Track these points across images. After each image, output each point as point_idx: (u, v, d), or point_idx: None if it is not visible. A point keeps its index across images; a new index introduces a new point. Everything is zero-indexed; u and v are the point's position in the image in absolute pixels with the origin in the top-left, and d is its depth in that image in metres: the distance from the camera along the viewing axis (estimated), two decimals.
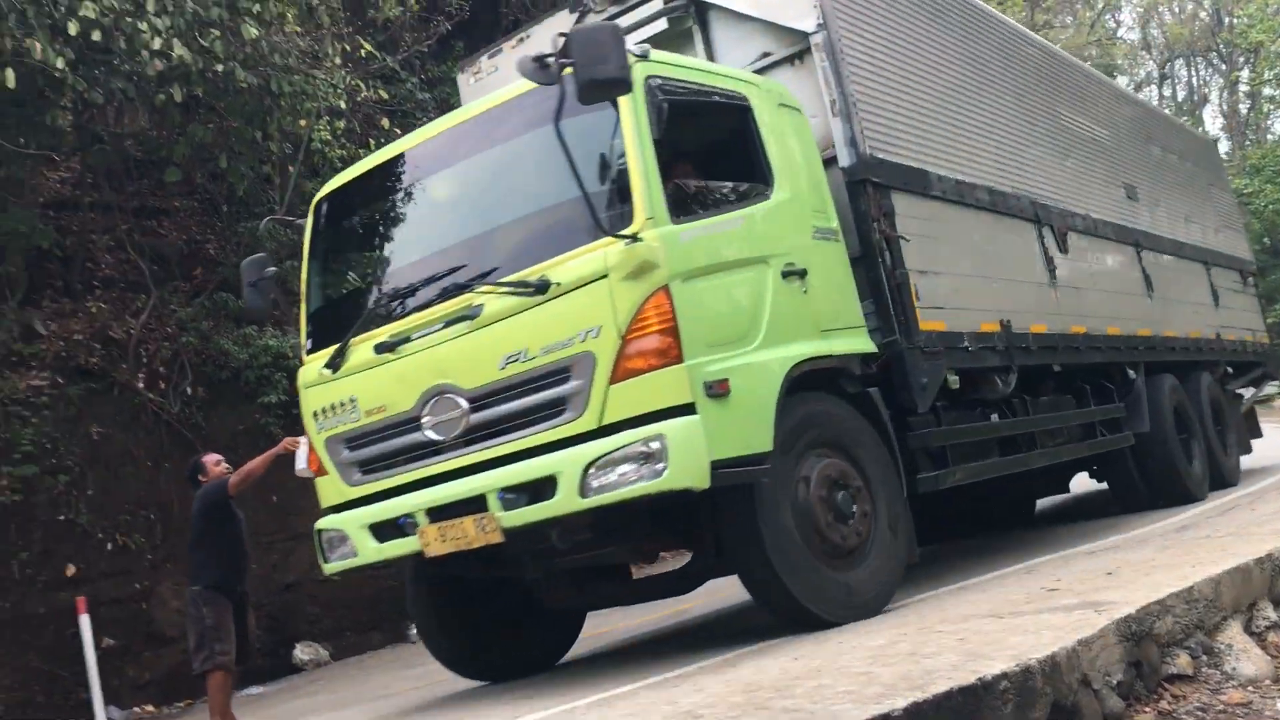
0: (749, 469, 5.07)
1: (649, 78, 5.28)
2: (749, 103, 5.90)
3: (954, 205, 7.44)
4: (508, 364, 5.15)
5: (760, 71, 6.77)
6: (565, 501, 4.89)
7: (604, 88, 4.75)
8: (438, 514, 5.30)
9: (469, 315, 5.27)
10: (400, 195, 5.96)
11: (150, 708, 10.23)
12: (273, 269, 6.17)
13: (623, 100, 5.13)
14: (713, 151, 6.02)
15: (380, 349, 5.54)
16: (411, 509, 5.39)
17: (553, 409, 5.04)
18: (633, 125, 5.13)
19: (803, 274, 5.73)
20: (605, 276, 4.98)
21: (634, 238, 4.97)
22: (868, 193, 6.45)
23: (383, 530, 5.53)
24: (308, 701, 9.01)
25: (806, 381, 5.61)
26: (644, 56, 5.33)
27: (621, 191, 5.12)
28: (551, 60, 4.79)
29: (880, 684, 3.47)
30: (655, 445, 4.81)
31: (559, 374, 5.03)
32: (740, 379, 5.12)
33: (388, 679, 9.05)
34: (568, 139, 5.10)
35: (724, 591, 7.84)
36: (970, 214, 7.67)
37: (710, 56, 7.03)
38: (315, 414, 5.84)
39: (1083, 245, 9.21)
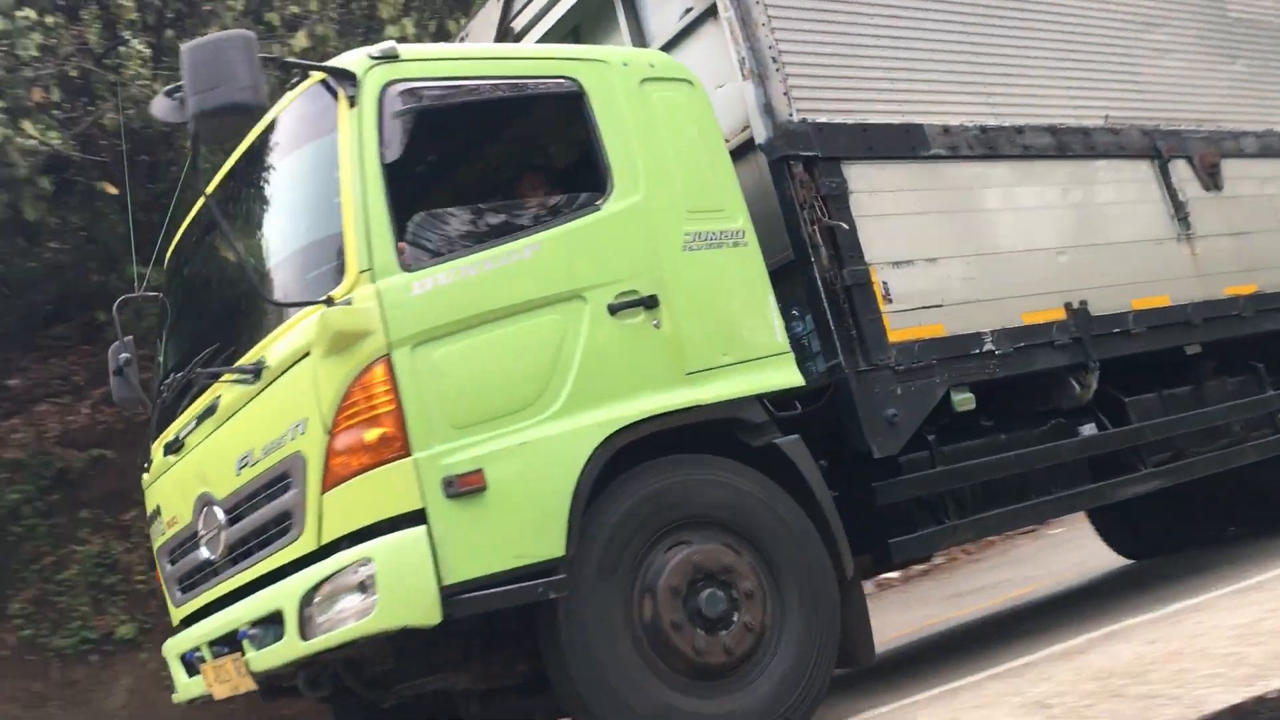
0: (525, 586, 3.80)
1: (388, 85, 4.08)
2: (580, 87, 4.54)
3: (976, 161, 5.63)
4: (241, 468, 4.17)
5: (684, 35, 5.39)
6: (289, 646, 3.83)
7: (225, 116, 3.62)
8: (214, 649, 4.41)
9: (212, 409, 4.33)
10: (186, 265, 5.10)
11: None
12: (128, 356, 5.44)
13: (342, 119, 4.01)
14: (518, 160, 4.76)
15: (167, 450, 4.72)
16: (197, 641, 4.53)
17: (281, 525, 4.00)
18: (351, 152, 3.97)
19: (651, 303, 4.33)
20: (308, 354, 3.87)
21: (331, 301, 3.83)
22: (789, 172, 4.89)
23: (189, 663, 4.71)
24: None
25: (666, 445, 4.25)
26: (386, 58, 4.14)
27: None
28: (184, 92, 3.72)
29: (1250, 664, 3.29)
30: (365, 572, 3.67)
31: (280, 480, 3.99)
32: (507, 466, 3.85)
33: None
34: (299, 178, 4.07)
35: (1067, 571, 8.07)
36: (1013, 167, 5.80)
37: (636, 24, 5.69)
38: (149, 520, 5.13)
39: (1256, 173, 6.93)
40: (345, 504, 3.78)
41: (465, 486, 3.75)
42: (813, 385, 4.82)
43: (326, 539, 3.81)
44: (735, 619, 4.16)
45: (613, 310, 4.23)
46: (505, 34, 6.14)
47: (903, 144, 5.34)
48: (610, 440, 4.05)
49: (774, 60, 5.00)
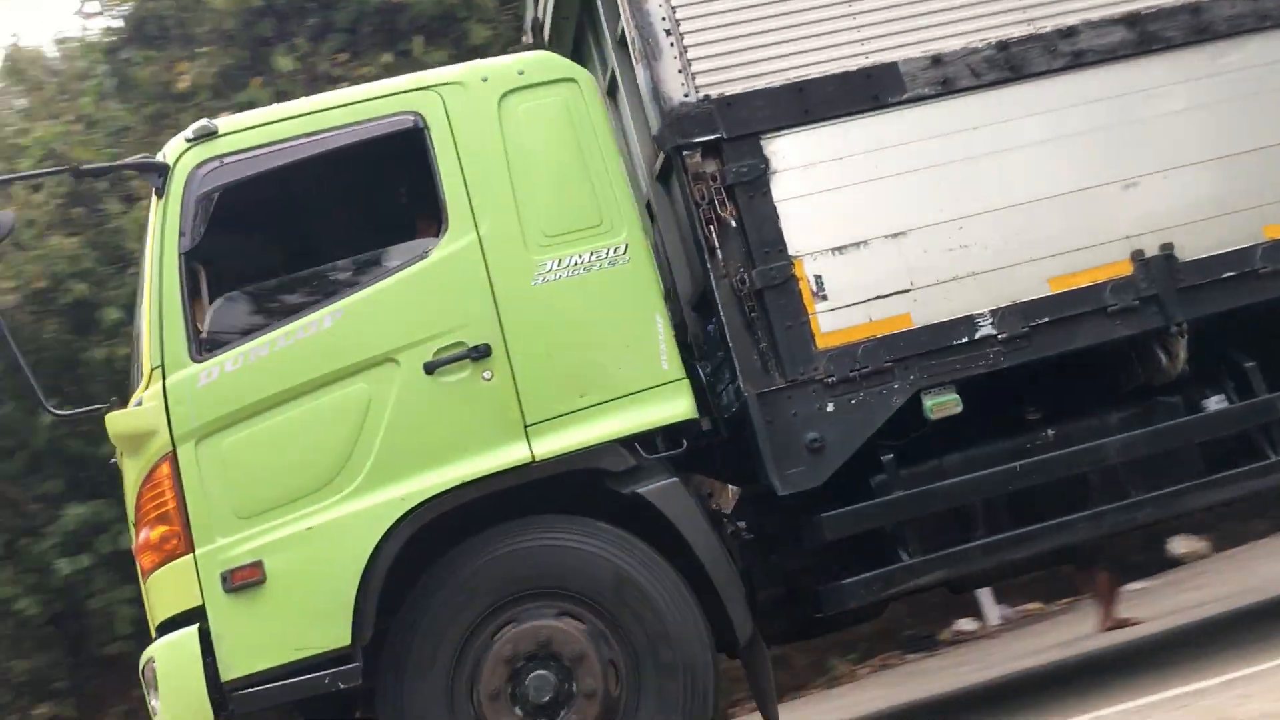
0: (313, 678, 3.76)
1: (198, 167, 4.09)
2: (423, 121, 4.23)
3: (987, 91, 4.44)
4: None
5: None
6: None
7: None
8: None
9: None
10: None
11: (1035, 605, 10.27)
12: None
13: (152, 211, 4.12)
14: (358, 217, 4.50)
15: None
16: None
17: None
18: (154, 246, 4.08)
19: (482, 353, 4.00)
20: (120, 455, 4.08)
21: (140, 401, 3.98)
22: (682, 165, 4.22)
23: None
24: (1193, 595, 8.44)
25: (506, 509, 3.96)
26: (201, 137, 4.13)
27: None
28: None
29: None
30: (150, 670, 3.86)
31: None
32: (288, 555, 3.82)
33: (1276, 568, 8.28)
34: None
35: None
36: (1055, 84, 4.49)
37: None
38: None
39: None
40: (154, 598, 3.98)
41: (241, 580, 3.79)
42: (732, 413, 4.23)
43: (154, 629, 4.02)
44: (574, 697, 3.81)
45: (429, 369, 3.98)
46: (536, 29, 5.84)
47: (861, 94, 4.36)
48: (416, 514, 3.84)
49: (668, 33, 4.32)
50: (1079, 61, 4.51)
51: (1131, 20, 4.56)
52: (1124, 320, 4.33)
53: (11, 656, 9.18)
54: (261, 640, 3.78)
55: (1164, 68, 4.58)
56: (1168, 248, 4.38)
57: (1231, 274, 4.41)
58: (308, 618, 3.79)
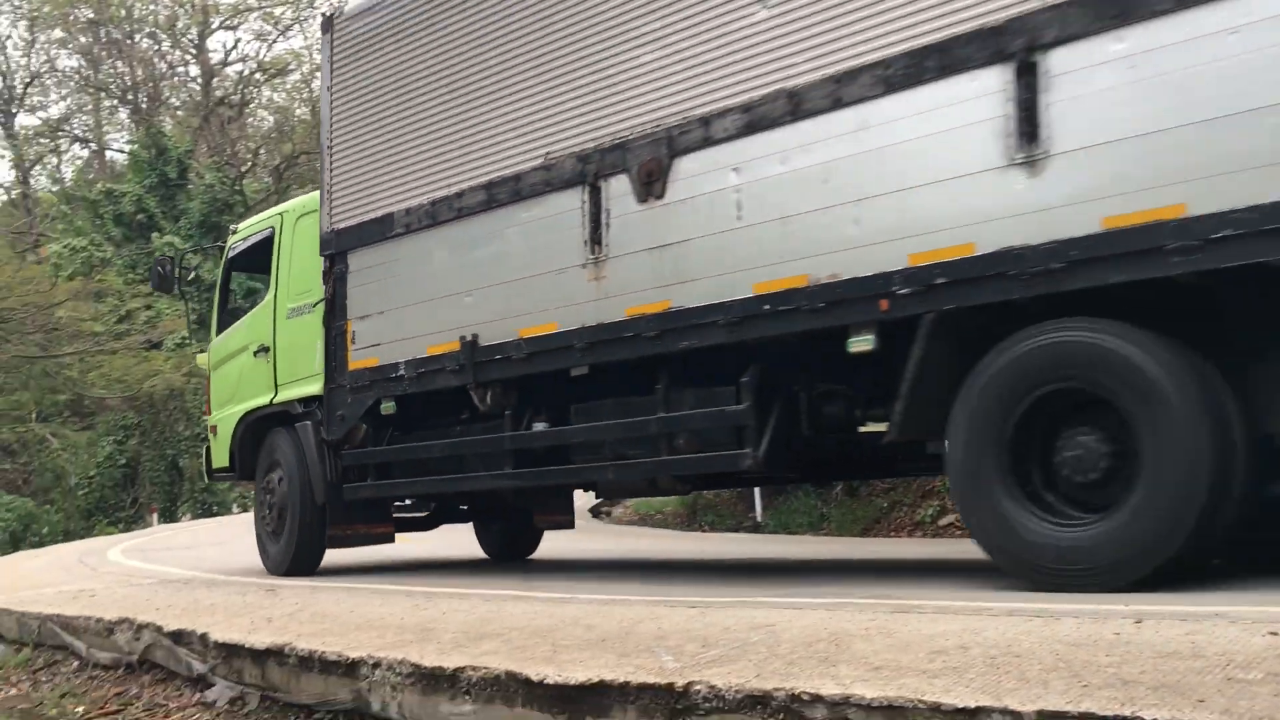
0: (225, 475, 9.44)
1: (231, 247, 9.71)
2: (272, 231, 9.16)
3: (427, 230, 7.54)
4: None
5: None
6: None
7: None
8: None
9: None
10: None
11: None
12: None
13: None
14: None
15: None
16: None
17: None
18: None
19: (267, 349, 8.95)
20: None
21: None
22: (328, 264, 8.34)
23: None
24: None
25: (272, 420, 8.96)
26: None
27: None
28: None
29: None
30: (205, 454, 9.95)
31: None
32: (219, 426, 9.44)
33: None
34: None
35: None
36: (453, 229, 7.35)
37: None
38: None
39: (744, 155, 5.84)
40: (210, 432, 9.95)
41: (210, 430, 9.57)
42: None
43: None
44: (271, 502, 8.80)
45: (254, 354, 9.08)
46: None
47: (379, 231, 7.86)
48: (244, 418, 9.11)
49: (328, 186, 8.36)
50: (463, 213, 7.27)
51: (488, 185, 7.12)
52: (456, 376, 7.27)
53: None
54: (216, 456, 9.50)
55: (499, 218, 7.07)
56: (476, 336, 7.13)
57: (501, 357, 6.99)
58: (220, 451, 9.40)
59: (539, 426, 7.06)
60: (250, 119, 44.28)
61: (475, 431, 7.47)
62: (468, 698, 3.63)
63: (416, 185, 7.63)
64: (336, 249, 8.20)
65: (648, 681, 3.17)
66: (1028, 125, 4.83)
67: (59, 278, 28.03)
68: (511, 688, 3.50)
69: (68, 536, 25.97)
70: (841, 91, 5.40)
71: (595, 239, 6.46)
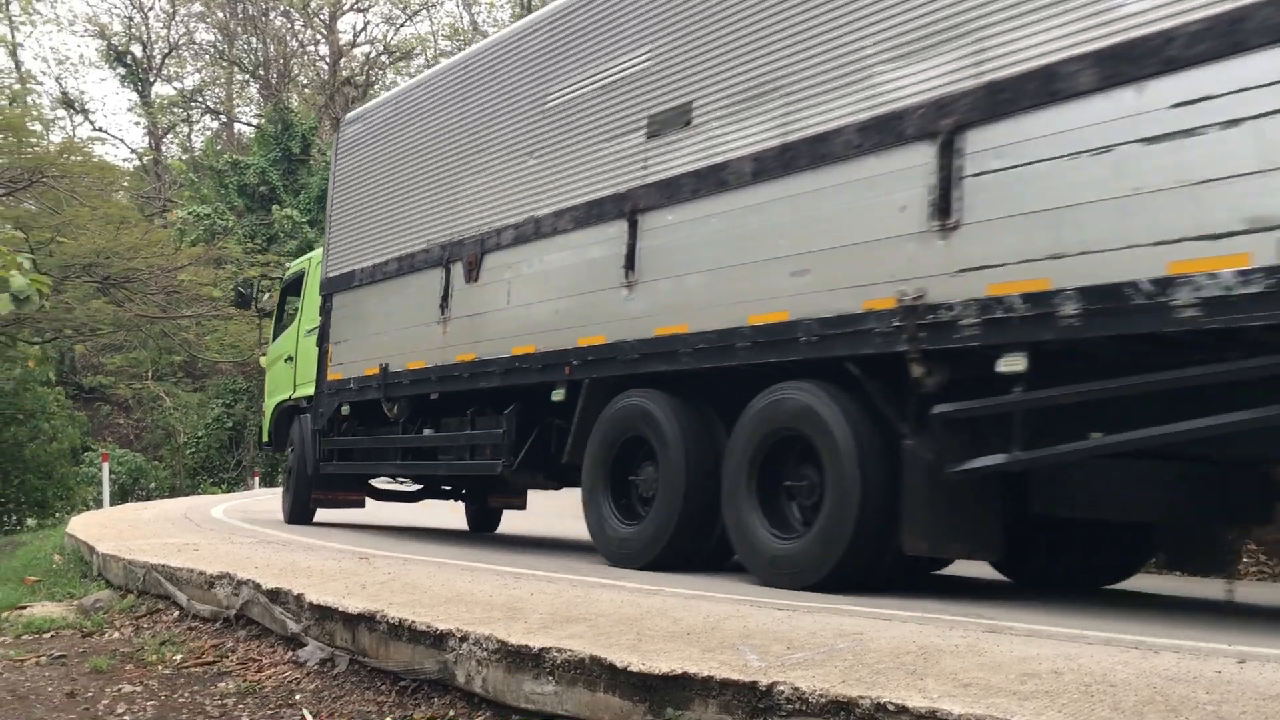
0: (269, 446, 11.14)
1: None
2: (304, 270, 11.11)
3: (369, 285, 9.92)
4: None
5: None
6: None
7: None
8: None
9: None
10: None
11: None
12: None
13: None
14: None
15: None
16: None
17: None
18: None
19: (291, 358, 10.77)
20: None
21: None
22: (323, 301, 10.62)
23: None
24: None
25: (292, 410, 10.84)
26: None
27: None
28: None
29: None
30: None
31: None
32: (270, 405, 10.98)
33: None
34: None
35: None
36: (382, 286, 9.72)
37: None
38: None
39: (514, 258, 8.16)
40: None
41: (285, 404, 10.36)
42: None
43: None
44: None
45: (285, 360, 10.47)
46: None
47: (348, 281, 10.32)
48: (280, 405, 10.38)
49: (327, 245, 10.43)
50: (384, 276, 9.71)
51: (399, 259, 9.57)
52: (376, 392, 9.64)
53: None
54: (264, 432, 11.12)
55: (406, 281, 9.45)
56: (386, 365, 9.48)
57: (400, 381, 9.50)
58: (266, 428, 11.32)
59: (428, 432, 9.34)
60: (373, 100, 45.31)
61: (390, 433, 9.72)
62: (551, 678, 3.67)
63: (368, 252, 10.03)
64: (327, 291, 10.59)
65: (731, 678, 3.17)
66: (629, 260, 6.92)
67: (183, 243, 28.98)
68: (595, 672, 3.52)
69: (173, 492, 26.93)
70: (558, 223, 7.60)
71: (444, 303, 8.81)
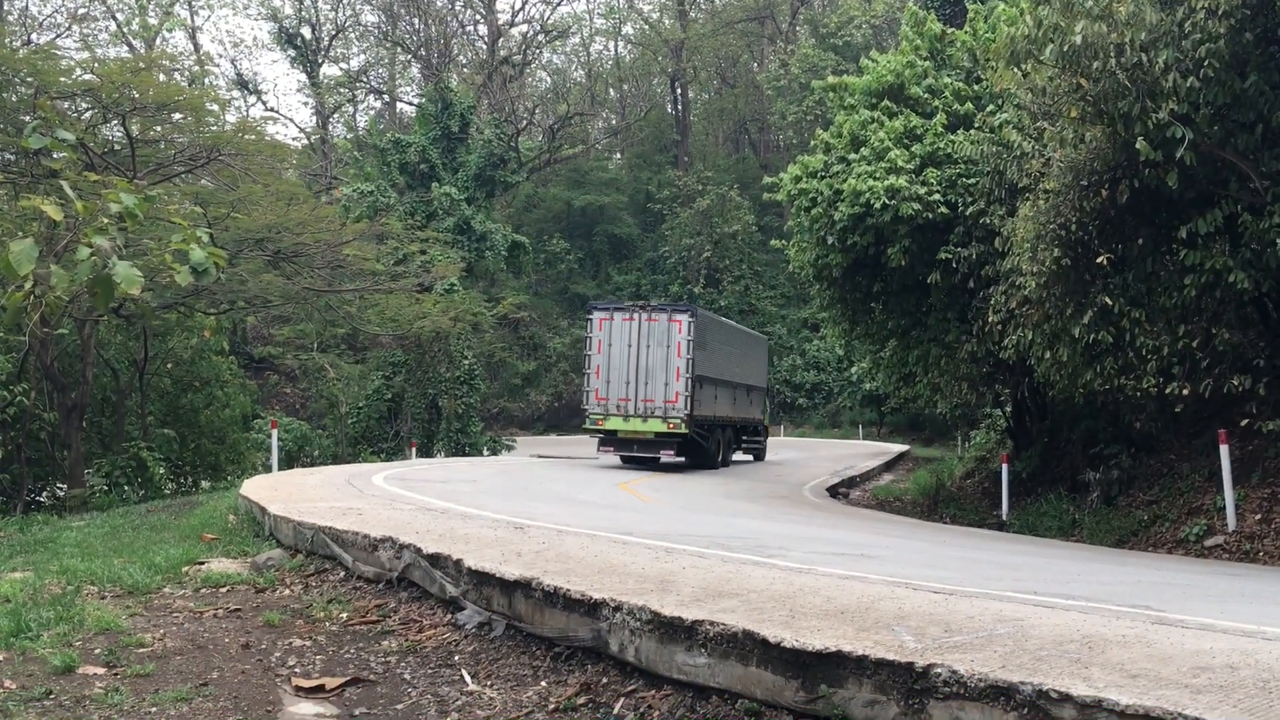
0: None
1: None
2: None
3: None
4: None
5: None
6: None
7: None
8: None
9: None
10: None
11: None
12: None
13: None
14: None
15: None
16: None
17: None
18: None
19: None
20: None
21: None
22: None
23: None
24: None
25: None
26: None
27: None
28: None
29: None
30: None
31: None
32: None
33: None
34: None
35: None
36: None
37: None
38: None
39: None
40: None
41: None
42: None
43: None
44: None
45: None
46: None
47: None
48: None
49: None
50: None
51: None
52: None
53: (1216, 325, 9.93)
54: None
55: None
56: None
57: None
58: None
59: None
60: (529, 79, 45.85)
61: None
62: (703, 650, 3.69)
63: None
64: None
65: (886, 658, 3.14)
66: None
67: (347, 219, 29.92)
68: (747, 646, 3.54)
69: (335, 460, 27.93)
70: None
71: None
